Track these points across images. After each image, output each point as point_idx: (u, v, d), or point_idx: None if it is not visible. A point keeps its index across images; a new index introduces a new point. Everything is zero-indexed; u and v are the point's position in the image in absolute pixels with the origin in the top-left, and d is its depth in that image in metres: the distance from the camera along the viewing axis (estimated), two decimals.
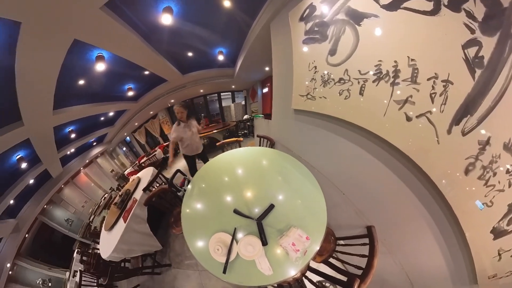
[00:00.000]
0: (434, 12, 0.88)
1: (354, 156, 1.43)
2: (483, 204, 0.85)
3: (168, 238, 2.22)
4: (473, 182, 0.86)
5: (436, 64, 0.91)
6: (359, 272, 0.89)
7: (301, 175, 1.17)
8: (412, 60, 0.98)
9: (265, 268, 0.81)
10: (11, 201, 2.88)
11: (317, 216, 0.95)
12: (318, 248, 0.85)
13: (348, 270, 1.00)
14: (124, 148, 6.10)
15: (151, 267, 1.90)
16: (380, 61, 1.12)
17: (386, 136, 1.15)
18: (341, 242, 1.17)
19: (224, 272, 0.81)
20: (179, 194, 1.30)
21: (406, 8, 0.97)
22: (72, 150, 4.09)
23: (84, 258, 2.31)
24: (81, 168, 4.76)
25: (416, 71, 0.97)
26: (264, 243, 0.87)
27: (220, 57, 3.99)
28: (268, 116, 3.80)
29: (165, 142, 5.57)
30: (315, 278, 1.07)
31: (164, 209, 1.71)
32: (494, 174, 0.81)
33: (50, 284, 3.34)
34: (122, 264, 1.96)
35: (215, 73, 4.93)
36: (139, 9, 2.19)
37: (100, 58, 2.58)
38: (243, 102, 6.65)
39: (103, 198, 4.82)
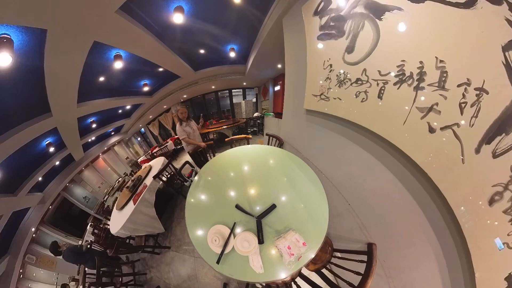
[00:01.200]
0: (468, 4, 0.75)
1: (366, 165, 1.34)
2: (503, 243, 0.73)
3: (171, 223, 2.42)
4: (497, 216, 0.73)
5: (469, 68, 0.77)
6: None
7: (307, 179, 1.15)
8: (441, 61, 0.85)
9: (257, 266, 0.83)
10: (40, 178, 3.56)
11: (318, 223, 0.94)
12: (313, 256, 0.85)
13: (339, 285, 0.97)
14: (139, 138, 6.81)
15: (152, 247, 2.13)
16: (404, 61, 0.99)
17: (404, 147, 1.04)
18: (338, 254, 1.12)
19: (218, 262, 0.85)
20: (186, 184, 1.36)
21: (435, 0, 0.84)
22: (93, 138, 4.76)
23: (96, 231, 2.64)
24: (100, 154, 5.50)
25: (445, 74, 0.84)
26: (261, 241, 0.88)
27: (232, 54, 4.04)
28: (278, 115, 3.78)
29: (176, 135, 6.10)
30: (304, 285, 1.05)
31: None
32: None
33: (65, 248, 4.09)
34: (127, 241, 2.24)
35: (226, 69, 5.02)
36: (152, 10, 2.34)
37: (117, 57, 2.89)
38: (254, 100, 6.67)
39: (117, 181, 5.57)
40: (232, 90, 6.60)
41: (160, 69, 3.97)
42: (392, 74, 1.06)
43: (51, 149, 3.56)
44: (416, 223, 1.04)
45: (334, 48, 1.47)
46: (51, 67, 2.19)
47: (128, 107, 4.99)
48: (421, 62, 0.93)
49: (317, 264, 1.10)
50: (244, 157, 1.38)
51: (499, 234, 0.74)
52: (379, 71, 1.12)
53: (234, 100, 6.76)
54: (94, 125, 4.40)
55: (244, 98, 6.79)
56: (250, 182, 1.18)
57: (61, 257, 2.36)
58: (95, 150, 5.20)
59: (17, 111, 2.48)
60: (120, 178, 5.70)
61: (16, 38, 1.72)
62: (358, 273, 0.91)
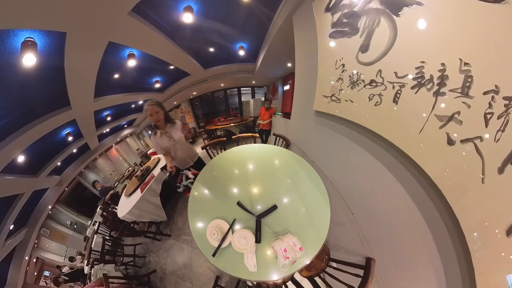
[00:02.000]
0: None
1: (375, 175, 1.26)
2: None
3: (173, 213, 2.53)
4: None
5: (499, 72, 0.67)
6: None
7: (311, 182, 1.12)
8: (466, 64, 0.75)
9: (251, 264, 0.83)
10: (59, 163, 4.09)
11: (318, 229, 0.91)
12: (308, 262, 0.83)
13: None
14: (150, 132, 7.42)
15: (154, 233, 2.28)
16: (423, 62, 0.90)
17: (418, 159, 0.94)
18: (334, 264, 1.08)
19: (214, 255, 0.87)
20: (178, 190, 1.39)
21: None
22: (108, 129, 5.22)
23: (104, 213, 2.95)
24: (113, 144, 6.08)
25: (469, 79, 0.74)
26: (258, 240, 0.89)
27: (241, 52, 4.05)
28: (287, 115, 3.70)
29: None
30: None
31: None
32: None
33: (75, 226, 4.85)
34: (132, 225, 2.39)
35: (236, 68, 5.05)
36: (162, 10, 2.43)
37: (131, 55, 3.09)
38: (263, 98, 6.59)
39: (127, 170, 6.03)
40: (241, 89, 6.64)
41: (171, 67, 4.13)
42: (410, 76, 0.96)
43: (70, 138, 4.06)
44: (422, 243, 0.96)
45: (347, 46, 1.38)
46: (71, 66, 2.41)
47: (140, 102, 5.31)
48: (442, 64, 0.83)
49: (311, 271, 1.07)
50: (250, 156, 1.39)
51: (510, 267, 0.64)
52: (396, 73, 1.03)
53: (243, 98, 6.80)
54: (109, 118, 4.82)
55: (253, 96, 6.69)
56: (254, 181, 1.19)
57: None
58: (109, 141, 5.73)
59: (41, 104, 2.80)
60: (130, 168, 6.19)
61: (40, 41, 1.93)
62: (351, 287, 0.87)
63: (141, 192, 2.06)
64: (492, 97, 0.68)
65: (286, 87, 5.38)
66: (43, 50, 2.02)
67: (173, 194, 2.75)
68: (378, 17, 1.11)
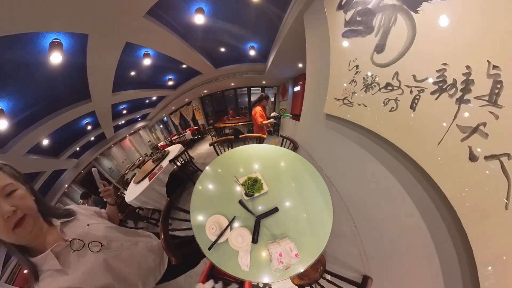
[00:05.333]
0: None
1: (384, 187, 1.18)
2: None
3: (177, 204, 2.69)
4: None
5: None
6: None
7: (316, 189, 1.09)
8: (495, 67, 0.65)
9: (244, 263, 0.84)
10: (77, 148, 4.67)
11: (317, 238, 0.89)
12: (302, 270, 0.82)
13: None
14: (161, 126, 7.73)
15: (156, 220, 2.45)
16: (445, 64, 0.80)
17: (433, 174, 0.85)
18: (328, 277, 1.02)
19: (209, 249, 0.89)
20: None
21: None
22: (123, 121, 5.78)
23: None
24: (127, 135, 6.70)
25: (499, 85, 0.64)
26: (255, 240, 0.89)
27: (252, 52, 4.09)
28: (296, 117, 3.63)
29: (195, 126, 6.80)
30: None
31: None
32: None
33: (86, 205, 5.77)
34: (137, 210, 2.62)
35: (246, 67, 5.13)
36: (175, 12, 2.61)
37: (146, 55, 3.34)
38: (272, 99, 6.60)
39: (138, 159, 6.61)
40: (251, 88, 6.66)
41: (183, 66, 4.37)
42: (430, 80, 0.87)
43: (89, 127, 4.61)
44: (427, 269, 0.87)
45: (361, 46, 1.30)
46: (92, 64, 2.71)
47: (154, 98, 5.73)
48: (468, 67, 0.73)
49: (303, 280, 1.04)
50: (255, 156, 1.40)
51: None
52: (414, 76, 0.94)
53: (252, 98, 6.75)
54: (124, 111, 5.31)
55: None
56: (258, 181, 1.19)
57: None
58: (123, 132, 6.32)
59: (65, 96, 3.20)
60: (141, 158, 6.77)
61: (65, 42, 2.19)
62: None
63: (149, 181, 2.23)
64: None
65: (297, 88, 5.28)
66: (68, 49, 2.28)
67: (179, 186, 2.92)
68: (394, 14, 1.02)
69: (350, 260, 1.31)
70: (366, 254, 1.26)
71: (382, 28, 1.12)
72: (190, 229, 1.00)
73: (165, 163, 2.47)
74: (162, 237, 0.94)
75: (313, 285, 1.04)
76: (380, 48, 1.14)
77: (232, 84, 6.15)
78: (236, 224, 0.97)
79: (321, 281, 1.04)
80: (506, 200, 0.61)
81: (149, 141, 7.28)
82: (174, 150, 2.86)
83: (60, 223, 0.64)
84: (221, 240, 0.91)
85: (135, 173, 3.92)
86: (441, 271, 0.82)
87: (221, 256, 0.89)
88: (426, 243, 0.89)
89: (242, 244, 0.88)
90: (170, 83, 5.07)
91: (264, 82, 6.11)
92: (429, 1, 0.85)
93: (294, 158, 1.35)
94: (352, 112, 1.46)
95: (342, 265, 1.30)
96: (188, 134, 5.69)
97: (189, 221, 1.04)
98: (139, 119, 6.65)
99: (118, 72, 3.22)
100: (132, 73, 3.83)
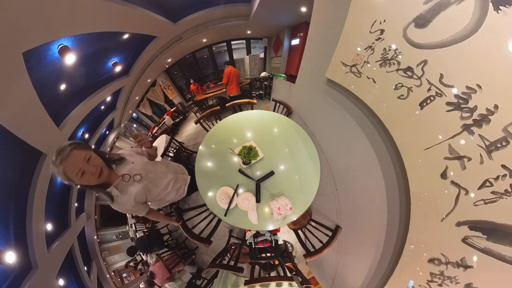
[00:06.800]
0: None
1: (367, 162, 1.35)
2: (412, 286, 0.93)
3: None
4: (425, 270, 0.88)
5: None
6: (312, 249, 1.17)
7: (307, 155, 1.22)
8: None
9: (253, 218, 1.06)
10: (76, 205, 3.85)
11: (306, 195, 1.10)
12: (295, 219, 1.05)
13: (306, 244, 1.27)
14: (134, 125, 6.04)
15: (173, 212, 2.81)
16: (479, 87, 0.72)
17: (409, 170, 0.99)
18: (313, 223, 1.39)
19: (225, 215, 1.07)
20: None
21: None
22: (93, 147, 4.37)
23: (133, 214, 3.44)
24: None
25: (504, 143, 0.66)
26: (258, 200, 1.08)
27: None
28: (291, 78, 3.20)
29: (171, 108, 5.38)
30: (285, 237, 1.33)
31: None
32: (440, 285, 0.83)
33: (120, 236, 5.89)
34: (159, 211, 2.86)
35: (221, 13, 3.52)
36: None
37: (63, 50, 2.01)
38: (262, 55, 4.96)
39: None
40: (232, 42, 4.82)
41: (125, 36, 2.84)
42: (454, 91, 0.79)
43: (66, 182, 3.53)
44: (377, 231, 1.23)
45: (399, 7, 1.00)
46: (6, 116, 1.69)
47: (108, 98, 3.94)
48: (495, 107, 0.68)
49: (296, 226, 1.41)
50: (247, 123, 1.37)
51: (416, 280, 0.93)
52: (441, 75, 0.83)
53: (235, 56, 5.07)
54: (86, 135, 3.88)
55: (249, 52, 4.90)
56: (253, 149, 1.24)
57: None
58: None
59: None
60: None
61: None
62: (321, 241, 1.20)
63: None
64: (504, 175, 0.66)
65: (295, 41, 4.00)
66: None
67: None
68: None
69: (329, 213, 1.69)
70: (340, 211, 1.64)
71: None
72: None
73: (157, 160, 2.25)
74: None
75: (303, 229, 1.41)
76: (422, 22, 0.90)
77: (204, 40, 4.40)
78: (240, 190, 1.11)
79: (308, 226, 1.39)
80: (444, 217, 0.83)
81: (131, 147, 5.88)
82: (160, 143, 2.51)
83: (115, 166, 0.99)
84: (232, 206, 1.07)
85: None
86: (385, 234, 1.18)
87: (235, 217, 1.07)
88: (383, 216, 1.21)
89: (249, 205, 1.06)
90: (118, 68, 3.38)
91: (249, 32, 4.42)
92: None
93: (287, 124, 1.37)
94: (357, 84, 1.29)
95: (323, 216, 1.69)
96: (167, 120, 4.65)
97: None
98: (107, 132, 4.92)
99: (44, 98, 2.05)
100: (63, 87, 2.47)
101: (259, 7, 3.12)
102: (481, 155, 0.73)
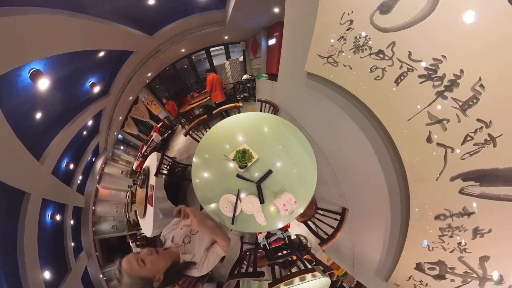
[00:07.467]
0: None
1: (357, 144, 1.40)
2: (427, 245, 0.99)
3: (188, 204, 2.85)
4: (434, 227, 0.94)
5: (501, 112, 0.69)
6: (325, 237, 1.18)
7: (301, 147, 1.23)
8: (481, 86, 0.72)
9: (261, 220, 1.04)
10: (72, 244, 3.40)
11: (307, 187, 1.10)
12: (301, 211, 1.05)
13: (318, 233, 1.29)
14: (122, 147, 5.72)
15: None
16: (444, 57, 0.80)
17: (397, 142, 1.06)
18: (320, 211, 1.41)
19: (232, 223, 1.04)
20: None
21: None
22: (80, 177, 3.99)
23: (138, 243, 3.10)
24: (97, 186, 4.97)
25: (475, 100, 0.74)
26: (262, 201, 1.06)
27: None
28: (273, 76, 3.28)
29: (157, 123, 5.13)
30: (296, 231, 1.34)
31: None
32: (451, 236, 0.89)
33: None
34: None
35: (197, 21, 3.52)
36: None
37: (36, 74, 1.83)
38: (241, 58, 5.08)
39: (127, 196, 5.31)
40: (211, 49, 4.83)
41: (101, 54, 2.71)
42: (423, 64, 0.87)
43: (58, 218, 3.10)
44: (382, 203, 1.28)
45: None
46: None
47: (90, 122, 3.68)
48: (461, 71, 0.76)
49: (304, 217, 1.41)
50: (237, 127, 1.36)
51: (428, 238, 0.99)
52: (410, 53, 0.92)
53: (215, 62, 5.10)
54: (71, 166, 3.54)
55: (228, 57, 5.01)
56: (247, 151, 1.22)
57: None
58: (90, 186, 4.53)
59: None
60: (128, 192, 5.34)
61: None
62: (331, 227, 1.21)
63: (152, 206, 2.06)
64: (481, 127, 0.74)
65: (272, 41, 4.23)
66: None
67: (179, 191, 2.76)
68: None
69: (333, 198, 1.71)
70: (343, 193, 1.67)
71: None
72: None
73: (152, 180, 2.21)
74: None
75: (312, 219, 1.41)
76: (386, 8, 0.98)
77: (183, 50, 4.37)
78: (242, 195, 1.08)
79: (316, 216, 1.40)
80: (438, 175, 0.89)
81: (122, 171, 5.48)
82: (152, 162, 2.41)
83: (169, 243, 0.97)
84: (237, 212, 1.04)
85: (135, 210, 3.32)
86: (389, 205, 1.23)
87: (243, 223, 1.04)
88: (383, 188, 1.26)
89: (254, 208, 1.04)
90: (96, 89, 3.20)
91: (226, 37, 4.51)
92: None
93: (276, 121, 1.38)
94: (335, 73, 1.38)
95: (328, 203, 1.70)
96: (155, 136, 4.41)
97: None
98: (93, 159, 4.59)
99: (19, 131, 1.85)
100: (38, 115, 2.25)
101: (233, 12, 3.18)
102: (457, 115, 0.81)
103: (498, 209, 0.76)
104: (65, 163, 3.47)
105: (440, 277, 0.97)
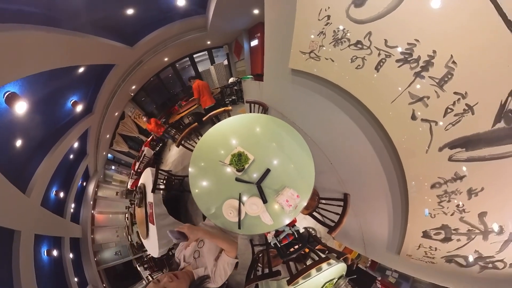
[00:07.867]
0: None
1: (348, 131, 1.45)
2: (429, 213, 1.05)
3: (190, 217, 2.67)
4: (432, 196, 1.00)
5: (474, 84, 0.76)
6: (332, 224, 1.19)
7: (294, 142, 1.24)
8: (454, 62, 0.79)
9: (267, 220, 1.03)
10: (75, 279, 3.10)
11: (307, 179, 1.11)
12: (305, 204, 1.06)
13: (325, 222, 1.30)
14: (113, 167, 5.34)
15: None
16: (417, 41, 0.87)
17: (385, 123, 1.12)
18: (323, 201, 1.44)
19: (239, 228, 1.02)
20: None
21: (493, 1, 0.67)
22: (72, 205, 3.61)
23: (145, 266, 2.95)
24: (92, 212, 4.55)
25: (449, 76, 0.81)
26: (264, 201, 1.05)
27: (180, 1, 2.71)
28: (259, 76, 3.30)
29: (147, 137, 4.85)
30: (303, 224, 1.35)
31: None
32: (449, 201, 0.95)
33: None
34: (170, 253, 2.39)
35: (178, 28, 3.41)
36: None
37: (11, 97, 1.67)
38: (226, 62, 5.02)
39: (126, 218, 4.97)
40: (194, 56, 4.70)
41: (81, 70, 2.51)
42: (399, 49, 0.94)
43: (55, 253, 2.83)
44: (380, 183, 1.34)
45: None
46: None
47: (76, 145, 3.37)
48: (434, 52, 0.84)
49: (309, 209, 1.41)
50: (229, 131, 1.35)
51: (428, 207, 1.05)
52: (386, 41, 0.98)
53: (200, 68, 4.96)
54: (61, 194, 3.23)
55: (213, 62, 4.90)
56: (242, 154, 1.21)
57: None
58: (85, 213, 4.14)
59: None
60: (127, 214, 4.98)
61: None
62: (337, 214, 1.23)
63: (154, 224, 1.96)
64: (458, 99, 0.80)
65: (254, 43, 4.25)
66: None
67: (179, 204, 2.66)
68: None
69: (333, 186, 1.75)
70: (343, 180, 1.71)
71: None
72: None
73: (150, 197, 2.10)
74: None
75: (316, 210, 1.42)
76: (359, 1, 1.05)
77: (166, 59, 4.23)
78: (244, 198, 1.07)
79: (320, 206, 1.41)
80: (427, 148, 0.94)
81: (117, 192, 5.13)
82: (147, 178, 2.29)
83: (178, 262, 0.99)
84: (242, 216, 1.03)
85: (136, 231, 3.16)
86: (387, 184, 1.29)
87: (250, 226, 1.03)
88: (378, 168, 1.32)
89: (258, 209, 1.03)
90: (79, 107, 2.97)
91: (209, 42, 4.46)
92: None
93: (267, 120, 1.38)
94: (318, 67, 1.43)
95: (329, 191, 1.72)
96: (147, 151, 4.21)
97: None
98: (84, 183, 4.22)
99: (3, 165, 1.70)
100: (18, 143, 2.02)
101: (214, 17, 3.14)
102: (435, 91, 0.87)
103: (486, 168, 0.82)
104: (54, 192, 3.16)
105: (446, 239, 1.01)
